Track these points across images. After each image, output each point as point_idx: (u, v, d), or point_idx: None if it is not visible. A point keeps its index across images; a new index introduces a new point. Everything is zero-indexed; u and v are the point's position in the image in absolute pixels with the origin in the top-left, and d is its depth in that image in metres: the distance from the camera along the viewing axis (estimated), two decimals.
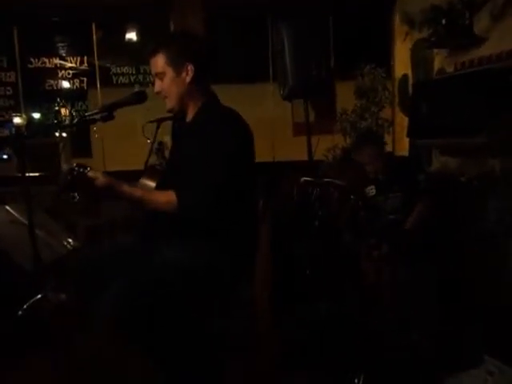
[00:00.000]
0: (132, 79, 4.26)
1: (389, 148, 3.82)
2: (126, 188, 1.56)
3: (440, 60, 3.37)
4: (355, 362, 2.09)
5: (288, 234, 2.88)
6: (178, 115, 1.78)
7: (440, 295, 2.52)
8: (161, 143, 2.59)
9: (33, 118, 4.27)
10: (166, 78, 1.66)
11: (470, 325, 2.24)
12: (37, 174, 3.97)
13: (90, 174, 1.50)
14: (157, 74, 1.68)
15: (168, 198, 1.56)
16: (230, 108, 1.71)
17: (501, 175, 2.36)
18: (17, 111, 4.16)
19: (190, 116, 1.73)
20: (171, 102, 1.70)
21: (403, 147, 4.00)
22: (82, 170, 1.48)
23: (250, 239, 1.71)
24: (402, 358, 2.09)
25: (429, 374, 1.99)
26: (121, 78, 4.25)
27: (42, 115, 4.24)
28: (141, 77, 4.25)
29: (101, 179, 1.51)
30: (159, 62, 1.66)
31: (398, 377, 2.02)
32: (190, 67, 1.65)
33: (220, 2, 4.00)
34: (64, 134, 3.82)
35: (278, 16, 3.52)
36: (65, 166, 1.54)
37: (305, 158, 2.82)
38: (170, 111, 1.75)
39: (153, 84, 1.75)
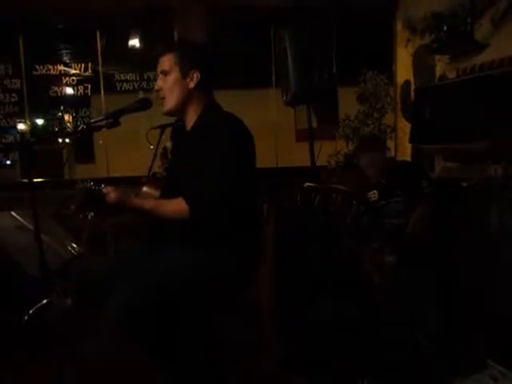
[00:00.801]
0: (136, 86, 4.29)
1: (391, 154, 3.84)
2: (136, 201, 1.61)
3: (442, 66, 3.38)
4: (359, 365, 2.09)
5: (292, 238, 2.89)
6: (177, 119, 1.79)
7: (443, 299, 2.52)
8: (165, 148, 2.62)
9: (37, 124, 4.30)
10: (171, 78, 1.68)
11: (474, 330, 2.24)
12: (41, 180, 4.00)
13: (104, 190, 1.53)
14: (162, 72, 1.70)
15: (178, 206, 1.58)
16: (231, 113, 1.72)
17: (502, 180, 2.37)
18: (21, 118, 4.20)
19: (190, 122, 1.74)
20: (170, 104, 1.70)
21: (406, 153, 4.02)
22: (98, 187, 1.51)
23: (253, 243, 1.72)
24: (406, 363, 2.09)
25: (433, 378, 1.99)
26: (125, 84, 4.28)
27: (46, 121, 4.28)
28: (145, 83, 4.28)
29: (113, 194, 1.55)
30: (169, 60, 1.68)
31: (402, 381, 2.01)
32: (196, 74, 1.67)
33: (223, 9, 4.03)
34: (67, 140, 3.85)
35: (280, 23, 3.54)
36: (80, 185, 1.56)
37: (308, 163, 2.84)
38: (166, 113, 1.75)
39: (161, 97, 1.76)
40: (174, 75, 1.68)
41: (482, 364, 1.79)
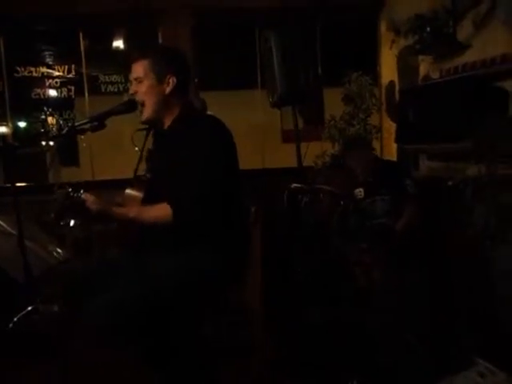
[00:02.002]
0: (121, 88, 4.25)
1: (377, 153, 3.86)
2: (118, 211, 1.59)
3: (425, 67, 3.43)
4: (348, 366, 2.10)
5: (279, 239, 2.89)
6: (156, 125, 1.77)
7: (430, 298, 2.55)
8: (150, 151, 2.58)
9: (19, 127, 4.23)
10: (145, 84, 1.66)
11: (461, 327, 2.26)
12: (24, 184, 3.93)
13: (84, 196, 1.50)
14: (136, 79, 1.68)
15: (162, 211, 1.56)
16: (211, 115, 1.72)
17: (486, 180, 2.40)
18: (3, 121, 4.12)
19: (166, 125, 1.73)
20: (147, 112, 1.68)
21: (391, 153, 4.05)
22: (76, 194, 1.48)
23: (241, 245, 1.71)
24: (395, 361, 2.11)
25: (421, 376, 2.01)
26: (109, 86, 4.23)
27: (28, 124, 4.21)
28: (130, 85, 4.24)
29: (93, 203, 1.52)
30: (142, 67, 1.66)
31: (391, 379, 2.03)
32: (172, 79, 1.66)
33: (208, 10, 4.02)
34: (51, 144, 3.78)
35: (265, 24, 3.55)
36: (59, 191, 1.51)
37: (294, 164, 2.84)
38: (145, 122, 1.73)
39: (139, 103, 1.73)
40: (148, 82, 1.66)
41: (470, 361, 1.81)
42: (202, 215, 1.55)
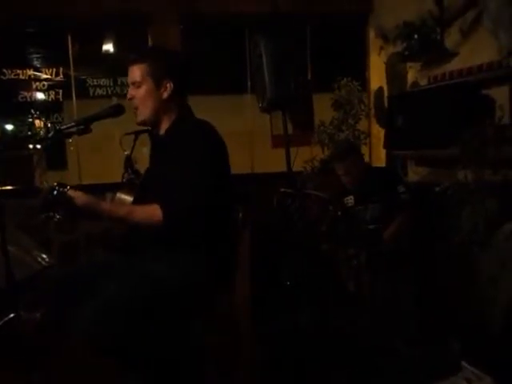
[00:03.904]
0: (109, 91, 4.21)
1: (365, 159, 3.89)
2: (106, 206, 1.55)
3: (413, 73, 3.46)
4: (336, 370, 2.09)
5: (268, 244, 2.88)
6: (152, 128, 1.77)
7: (418, 304, 2.56)
8: (129, 157, 2.53)
9: (5, 130, 4.16)
10: (143, 89, 1.65)
11: (448, 333, 2.27)
12: (9, 188, 3.87)
13: (70, 192, 1.48)
14: (133, 83, 1.67)
15: (152, 212, 1.54)
16: (204, 120, 1.71)
17: (473, 185, 2.43)
18: None
19: (163, 129, 1.72)
20: (143, 115, 1.67)
21: (379, 158, 4.08)
22: (62, 189, 1.46)
23: (228, 250, 1.70)
24: (382, 366, 2.11)
25: (409, 381, 2.01)
26: (98, 89, 4.20)
27: (15, 127, 4.14)
28: (118, 89, 4.20)
29: (81, 198, 1.49)
30: (140, 71, 1.65)
31: None
32: (170, 84, 1.65)
33: (198, 14, 4.02)
34: (38, 147, 3.74)
35: (255, 29, 3.55)
36: (45, 185, 1.50)
37: (284, 169, 2.84)
38: (140, 124, 1.73)
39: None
40: (146, 86, 1.65)
41: (457, 366, 1.82)
42: (191, 220, 1.53)
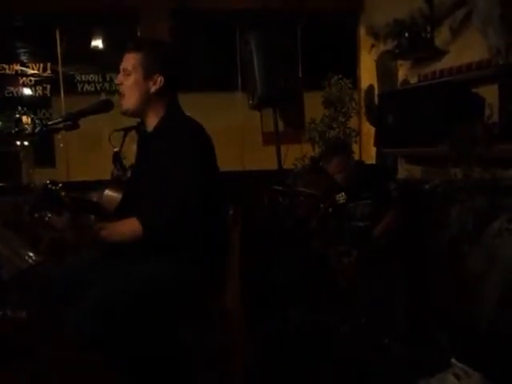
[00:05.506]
0: (98, 87, 4.17)
1: (356, 157, 3.90)
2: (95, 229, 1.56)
3: (404, 71, 3.47)
4: (326, 367, 2.10)
5: (259, 241, 2.88)
6: (139, 123, 1.75)
7: (408, 300, 2.57)
8: (117, 154, 2.51)
9: None
10: (132, 78, 1.63)
11: (438, 329, 2.29)
12: None
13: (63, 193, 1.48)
14: (124, 70, 1.65)
15: (132, 227, 1.53)
16: (192, 119, 1.69)
17: (462, 183, 2.45)
18: None
19: (151, 124, 1.70)
20: (128, 104, 1.65)
21: (370, 156, 4.09)
22: (55, 187, 1.45)
23: (219, 250, 1.69)
24: (373, 363, 2.12)
25: (398, 378, 2.02)
26: (86, 85, 4.15)
27: (1, 123, 4.08)
28: (107, 85, 4.16)
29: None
30: (133, 60, 1.63)
31: (368, 381, 2.03)
32: (160, 79, 1.63)
33: (187, 10, 3.99)
34: (26, 143, 3.68)
35: (246, 26, 3.54)
36: (37, 184, 1.50)
37: (274, 166, 2.84)
38: (124, 113, 1.70)
39: (119, 92, 1.70)
40: (136, 76, 1.63)
41: (446, 363, 1.83)
42: (171, 232, 1.52)
